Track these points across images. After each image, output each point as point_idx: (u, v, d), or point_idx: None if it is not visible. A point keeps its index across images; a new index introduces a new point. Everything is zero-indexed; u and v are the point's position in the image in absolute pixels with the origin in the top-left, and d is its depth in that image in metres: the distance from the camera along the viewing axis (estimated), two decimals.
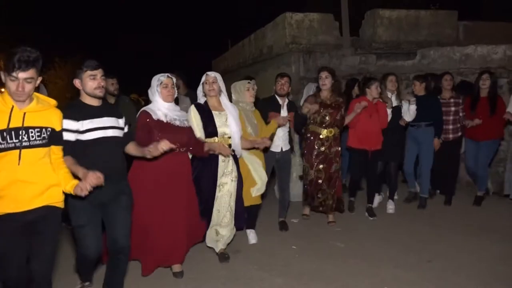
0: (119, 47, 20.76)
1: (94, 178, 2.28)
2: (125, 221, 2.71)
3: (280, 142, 4.21)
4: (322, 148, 4.29)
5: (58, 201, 2.35)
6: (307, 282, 3.15)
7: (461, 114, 4.91)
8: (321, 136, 4.27)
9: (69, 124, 2.49)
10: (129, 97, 9.43)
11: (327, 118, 4.23)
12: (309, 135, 4.36)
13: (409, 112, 4.72)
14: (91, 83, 2.56)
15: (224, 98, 3.53)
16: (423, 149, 4.88)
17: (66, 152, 2.44)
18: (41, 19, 19.54)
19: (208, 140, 3.41)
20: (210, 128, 3.42)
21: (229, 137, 3.49)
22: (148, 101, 5.59)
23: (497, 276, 3.16)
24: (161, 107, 3.14)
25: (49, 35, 18.96)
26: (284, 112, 4.20)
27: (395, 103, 4.75)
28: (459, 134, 4.98)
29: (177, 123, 3.16)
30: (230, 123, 3.46)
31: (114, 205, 2.66)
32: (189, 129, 3.27)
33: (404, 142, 5.01)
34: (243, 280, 3.21)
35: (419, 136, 4.87)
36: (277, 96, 4.26)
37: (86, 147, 2.53)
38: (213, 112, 3.45)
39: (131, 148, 2.81)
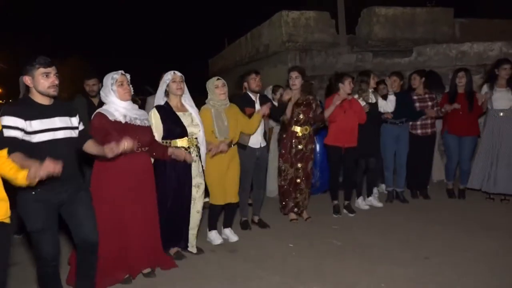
0: (115, 46, 20.68)
1: (51, 165, 2.06)
2: (90, 216, 2.63)
3: (259, 137, 4.19)
4: (300, 146, 4.35)
5: (5, 217, 2.12)
6: (304, 280, 3.15)
7: (435, 109, 5.01)
8: (298, 134, 4.34)
9: (15, 121, 2.29)
10: None
11: (301, 116, 4.31)
12: (285, 134, 4.41)
13: (389, 103, 4.78)
14: (44, 82, 2.39)
15: (187, 100, 3.53)
16: (402, 145, 5.00)
17: (12, 150, 2.19)
18: (38, 20, 19.48)
19: (178, 141, 3.41)
20: (179, 129, 3.40)
21: (196, 138, 3.52)
22: (145, 101, 5.57)
23: (493, 272, 3.17)
24: (119, 107, 3.00)
25: (49, 35, 18.91)
26: (258, 107, 4.18)
27: (374, 100, 4.82)
28: (435, 129, 5.14)
29: (138, 122, 3.07)
30: (198, 123, 3.51)
31: (75, 202, 2.56)
32: (151, 128, 3.23)
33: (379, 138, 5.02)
34: (240, 279, 3.21)
35: (401, 133, 4.95)
36: (249, 93, 4.23)
37: (35, 150, 2.31)
38: (178, 113, 3.43)
39: (91, 147, 2.67)
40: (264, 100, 4.33)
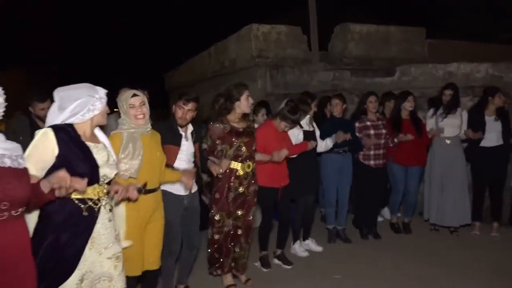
0: (63, 58, 19.08)
1: None
2: None
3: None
4: (241, 189, 3.31)
5: None
6: None
7: (388, 139, 4.56)
8: (238, 173, 3.30)
9: None
10: None
11: (243, 149, 3.29)
12: (221, 175, 3.29)
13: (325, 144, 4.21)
14: None
15: (96, 129, 2.37)
16: (344, 178, 4.43)
17: None
18: None
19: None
20: (87, 169, 2.11)
21: (109, 182, 2.34)
22: None
23: None
24: None
25: None
26: (188, 144, 3.18)
27: (311, 127, 4.18)
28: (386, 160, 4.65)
29: (8, 162, 1.80)
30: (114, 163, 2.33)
31: None
32: (27, 172, 1.91)
33: (317, 170, 4.40)
34: None
35: (344, 165, 4.43)
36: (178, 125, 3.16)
37: None
38: (87, 143, 2.21)
39: None
40: (197, 136, 3.27)
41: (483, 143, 4.56)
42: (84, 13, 18.65)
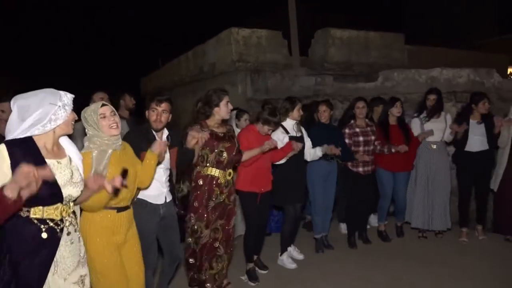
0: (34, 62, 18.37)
1: None
2: None
3: (164, 188, 2.93)
4: (222, 197, 3.17)
5: None
6: None
7: (376, 143, 4.50)
8: (219, 181, 3.15)
9: None
10: None
11: (224, 155, 3.15)
12: (201, 182, 3.14)
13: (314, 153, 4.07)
14: None
15: (64, 138, 2.12)
16: (330, 184, 4.35)
17: None
18: None
19: (46, 209, 1.90)
20: (47, 190, 1.84)
21: (75, 200, 2.10)
22: None
23: None
24: None
25: None
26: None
27: (296, 133, 3.98)
28: (374, 166, 4.58)
29: None
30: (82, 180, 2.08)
31: None
32: None
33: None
34: None
35: (332, 171, 4.35)
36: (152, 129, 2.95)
37: None
38: (48, 160, 1.94)
39: None
40: (173, 139, 3.04)
41: (468, 148, 4.52)
42: (60, 16, 18.10)
